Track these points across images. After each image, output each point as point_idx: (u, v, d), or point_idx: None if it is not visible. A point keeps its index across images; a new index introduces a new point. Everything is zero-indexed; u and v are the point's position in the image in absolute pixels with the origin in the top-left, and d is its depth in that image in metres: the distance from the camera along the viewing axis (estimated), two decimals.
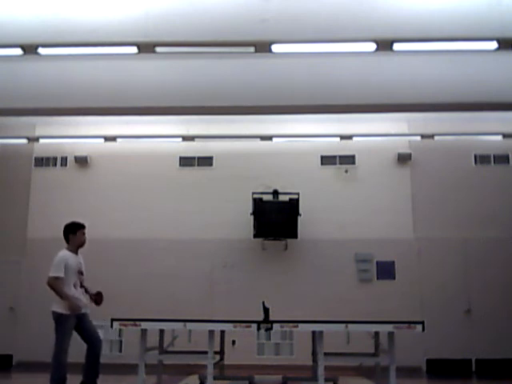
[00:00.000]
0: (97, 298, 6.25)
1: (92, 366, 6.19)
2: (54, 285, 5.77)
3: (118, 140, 10.60)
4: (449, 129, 10.09)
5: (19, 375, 9.44)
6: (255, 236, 9.94)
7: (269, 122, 10.00)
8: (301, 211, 9.89)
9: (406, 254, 10.08)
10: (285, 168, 10.40)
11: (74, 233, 6.02)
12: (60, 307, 5.74)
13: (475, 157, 10.48)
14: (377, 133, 10.32)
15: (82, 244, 6.08)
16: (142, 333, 6.24)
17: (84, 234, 6.09)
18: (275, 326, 6.01)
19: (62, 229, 6.07)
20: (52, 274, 5.77)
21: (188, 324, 6.24)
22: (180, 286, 10.01)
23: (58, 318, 5.75)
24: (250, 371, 7.49)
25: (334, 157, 10.62)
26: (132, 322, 6.21)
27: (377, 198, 10.32)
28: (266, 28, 6.38)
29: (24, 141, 10.75)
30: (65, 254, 5.94)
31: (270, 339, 9.91)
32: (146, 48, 6.56)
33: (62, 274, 5.77)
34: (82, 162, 10.77)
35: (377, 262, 10.15)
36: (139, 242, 10.27)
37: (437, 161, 10.41)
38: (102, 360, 9.89)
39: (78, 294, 5.89)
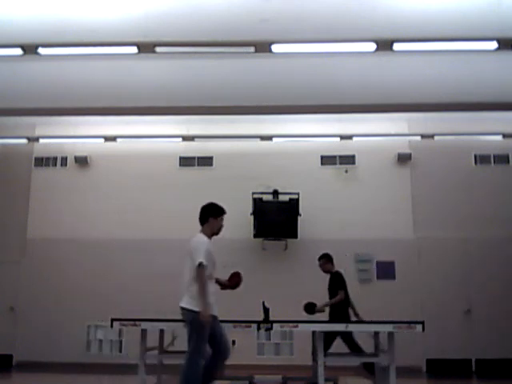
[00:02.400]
0: (231, 281, 5.50)
1: (208, 374, 5.08)
2: (201, 274, 4.84)
3: (118, 140, 10.60)
4: (449, 129, 10.09)
5: (19, 375, 9.45)
6: (255, 236, 9.94)
7: (269, 121, 10.00)
8: (301, 211, 9.89)
9: (406, 254, 10.07)
10: (285, 168, 10.40)
11: (216, 216, 5.26)
12: (195, 304, 4.89)
13: (475, 157, 10.49)
14: (377, 133, 10.32)
15: (218, 232, 5.31)
16: (142, 333, 6.23)
17: (223, 220, 5.31)
18: (275, 325, 6.01)
19: (202, 208, 5.30)
20: (200, 259, 4.88)
21: None
22: (180, 286, 9.99)
23: (194, 316, 4.86)
24: (250, 371, 7.49)
25: (334, 157, 10.62)
26: (132, 322, 6.21)
27: (377, 198, 10.32)
28: (266, 28, 6.37)
29: (24, 141, 10.75)
30: (205, 239, 5.08)
31: (270, 339, 9.91)
32: (146, 48, 6.56)
33: (207, 262, 4.87)
34: (82, 161, 10.77)
35: (377, 262, 10.15)
36: (139, 241, 10.27)
37: (437, 161, 10.41)
38: (103, 360, 10.03)
39: (213, 294, 5.04)
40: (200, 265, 4.87)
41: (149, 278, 10.06)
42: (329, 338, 6.71)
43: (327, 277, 7.57)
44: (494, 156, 10.45)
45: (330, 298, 7.38)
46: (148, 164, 10.66)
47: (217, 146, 10.61)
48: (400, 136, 10.37)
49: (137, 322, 6.15)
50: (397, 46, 6.43)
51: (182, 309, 5.01)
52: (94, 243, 10.38)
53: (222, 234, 10.15)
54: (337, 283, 7.35)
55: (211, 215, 5.27)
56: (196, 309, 4.87)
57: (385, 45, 6.38)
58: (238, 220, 10.11)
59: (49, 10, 6.60)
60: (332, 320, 7.12)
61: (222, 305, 10.35)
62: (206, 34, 6.42)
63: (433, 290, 9.89)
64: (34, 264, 10.34)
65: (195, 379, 4.85)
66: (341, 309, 7.16)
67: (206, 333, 4.91)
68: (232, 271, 5.64)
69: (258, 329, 5.94)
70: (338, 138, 10.42)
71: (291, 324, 6.18)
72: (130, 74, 7.32)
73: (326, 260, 7.67)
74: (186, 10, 6.51)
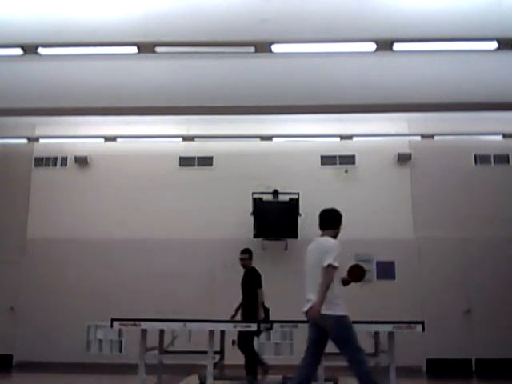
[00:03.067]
0: (354, 275, 5.56)
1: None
2: (329, 273, 4.84)
3: (118, 140, 10.60)
4: (449, 129, 10.08)
5: (19, 375, 9.45)
6: (255, 236, 9.94)
7: (269, 121, 10.00)
8: (301, 211, 9.88)
9: (406, 254, 10.08)
10: (285, 168, 10.40)
11: (340, 224, 5.58)
12: (336, 308, 4.75)
13: (475, 157, 10.49)
14: (377, 133, 10.32)
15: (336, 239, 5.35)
16: (142, 333, 6.24)
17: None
18: (275, 326, 6.01)
19: (333, 214, 5.56)
20: (333, 262, 4.93)
21: (188, 324, 6.25)
22: (180, 286, 10.01)
23: (339, 321, 4.74)
24: None
25: (334, 157, 10.62)
26: (132, 322, 6.21)
27: (377, 198, 10.31)
28: (266, 28, 6.37)
29: (24, 141, 10.75)
30: (336, 242, 5.22)
31: (270, 339, 9.91)
32: (146, 48, 6.56)
33: (338, 264, 4.96)
34: (82, 161, 10.77)
35: (377, 262, 10.15)
36: (139, 241, 10.27)
37: (437, 161, 10.41)
38: (103, 360, 10.03)
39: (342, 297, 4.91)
40: (329, 266, 4.90)
41: (149, 277, 10.06)
42: (247, 338, 6.93)
43: None
44: (494, 156, 10.46)
45: (244, 293, 7.41)
46: (148, 164, 10.66)
47: (217, 145, 10.61)
48: (400, 136, 10.37)
49: (137, 322, 6.16)
50: (397, 46, 6.43)
51: (321, 316, 4.79)
52: (93, 243, 10.39)
53: (222, 233, 10.30)
54: (255, 280, 7.34)
55: (339, 222, 5.63)
56: (336, 313, 4.75)
57: (385, 45, 6.38)
58: (238, 220, 10.13)
59: (49, 9, 6.60)
60: (246, 319, 7.14)
61: (221, 305, 10.36)
62: (206, 34, 6.42)
63: (433, 289, 9.89)
64: (34, 264, 10.34)
65: (369, 376, 4.79)
66: (254, 307, 7.18)
67: (352, 331, 4.77)
68: (351, 264, 5.72)
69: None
70: (338, 138, 10.42)
71: (291, 324, 6.17)
72: (130, 74, 7.32)
73: (249, 255, 7.69)
74: (186, 10, 6.51)
